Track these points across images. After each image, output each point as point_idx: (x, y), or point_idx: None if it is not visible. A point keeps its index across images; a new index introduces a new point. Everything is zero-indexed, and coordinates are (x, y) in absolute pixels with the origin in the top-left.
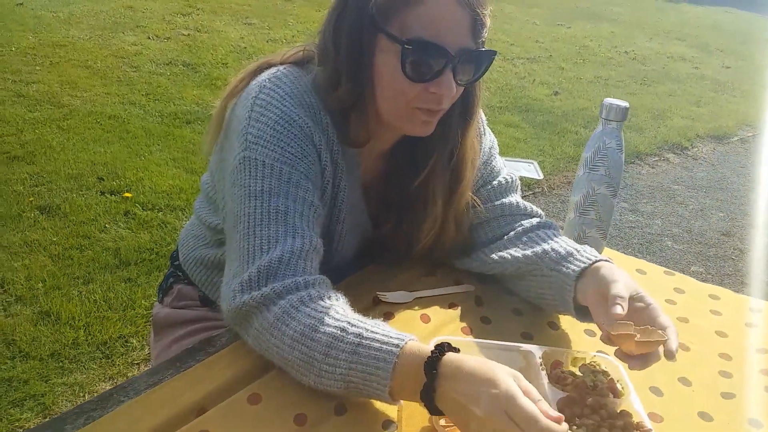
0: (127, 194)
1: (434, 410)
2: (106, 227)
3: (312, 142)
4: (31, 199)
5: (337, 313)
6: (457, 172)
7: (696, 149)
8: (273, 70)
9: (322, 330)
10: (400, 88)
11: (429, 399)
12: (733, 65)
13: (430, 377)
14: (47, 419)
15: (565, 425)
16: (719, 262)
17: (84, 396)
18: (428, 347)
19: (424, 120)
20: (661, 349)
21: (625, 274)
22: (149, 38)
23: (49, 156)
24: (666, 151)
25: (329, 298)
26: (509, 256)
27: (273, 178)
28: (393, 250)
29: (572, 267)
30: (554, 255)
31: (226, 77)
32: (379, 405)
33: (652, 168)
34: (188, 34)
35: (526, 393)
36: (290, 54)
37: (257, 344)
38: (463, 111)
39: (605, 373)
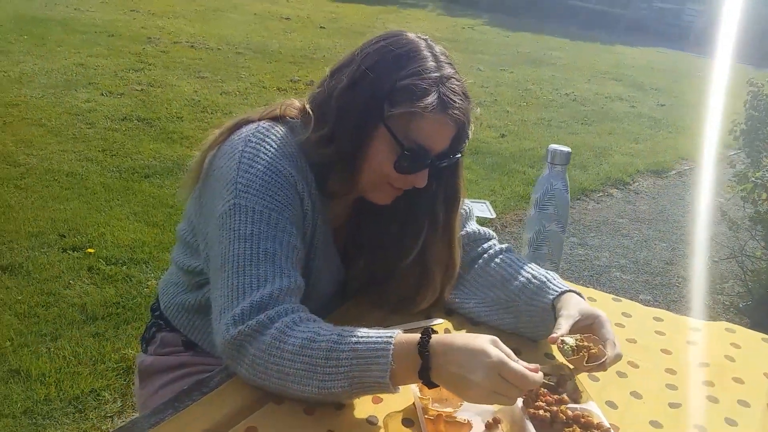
0: (90, 250)
1: (432, 385)
2: (70, 283)
3: (296, 190)
4: None
5: (328, 326)
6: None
7: (637, 184)
8: (254, 125)
9: (320, 339)
10: (385, 172)
11: (426, 377)
12: (668, 103)
13: (425, 358)
14: None
15: (540, 374)
16: (665, 290)
17: None
18: (416, 334)
19: (391, 194)
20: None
21: (578, 300)
22: (102, 94)
23: (8, 215)
24: (609, 186)
25: (317, 319)
26: (483, 304)
27: (263, 223)
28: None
29: (547, 298)
30: (528, 291)
31: (182, 131)
32: None
33: (597, 203)
34: (141, 89)
35: (508, 356)
36: (267, 111)
37: (252, 371)
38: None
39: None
